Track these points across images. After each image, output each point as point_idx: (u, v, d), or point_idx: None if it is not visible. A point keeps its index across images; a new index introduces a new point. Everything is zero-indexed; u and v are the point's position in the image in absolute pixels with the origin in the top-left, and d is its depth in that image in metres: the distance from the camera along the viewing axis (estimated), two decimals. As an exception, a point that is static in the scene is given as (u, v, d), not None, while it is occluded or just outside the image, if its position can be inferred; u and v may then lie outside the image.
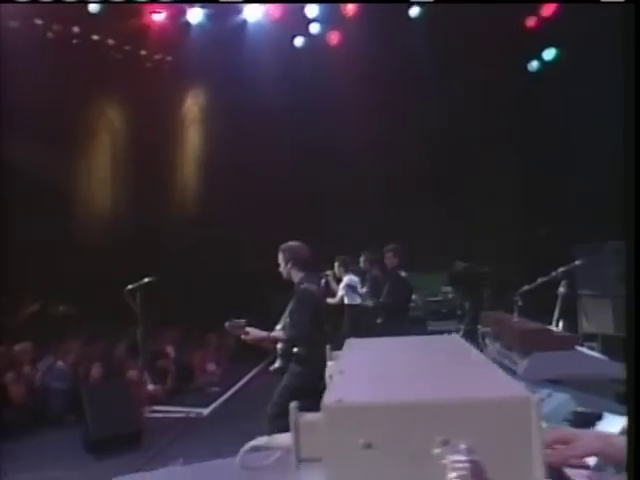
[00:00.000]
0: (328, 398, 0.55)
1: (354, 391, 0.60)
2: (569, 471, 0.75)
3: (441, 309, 6.89)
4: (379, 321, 5.25)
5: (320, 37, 8.77)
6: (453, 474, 0.49)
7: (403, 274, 5.27)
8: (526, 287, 3.73)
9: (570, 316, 5.52)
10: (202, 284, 8.69)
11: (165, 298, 8.02)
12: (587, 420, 1.50)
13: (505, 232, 8.81)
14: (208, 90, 10.17)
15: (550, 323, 4.38)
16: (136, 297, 4.02)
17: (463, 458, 0.50)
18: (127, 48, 9.46)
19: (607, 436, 0.82)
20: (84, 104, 9.21)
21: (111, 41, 9.22)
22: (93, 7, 7.83)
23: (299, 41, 8.77)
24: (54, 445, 4.63)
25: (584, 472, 0.74)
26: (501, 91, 7.91)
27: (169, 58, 9.83)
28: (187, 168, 10.59)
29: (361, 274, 6.39)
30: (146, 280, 4.03)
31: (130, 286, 4.03)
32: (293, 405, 0.57)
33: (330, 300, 6.02)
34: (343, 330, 6.10)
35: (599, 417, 1.53)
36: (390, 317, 5.07)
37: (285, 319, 3.48)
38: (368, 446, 0.52)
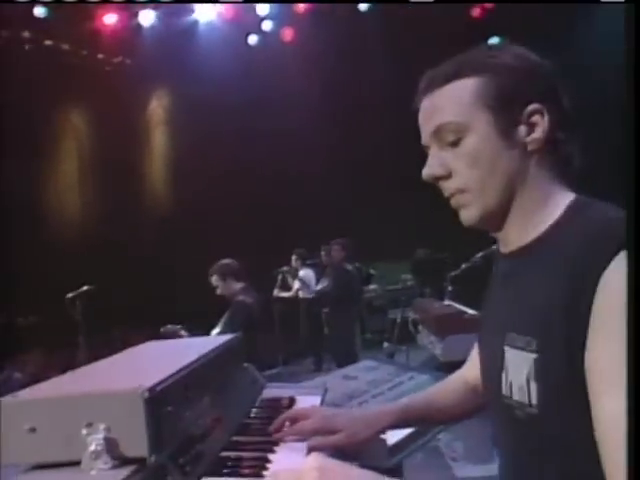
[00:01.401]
0: (6, 395, 0.69)
1: (38, 387, 0.74)
2: (288, 445, 0.87)
3: (401, 297, 7.04)
4: (325, 310, 5.42)
5: (273, 34, 8.86)
6: (92, 447, 0.63)
7: (349, 267, 5.43)
8: (453, 273, 3.90)
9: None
10: (170, 286, 8.76)
11: (132, 302, 8.10)
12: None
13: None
14: (170, 91, 10.20)
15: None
16: (76, 305, 4.13)
17: (100, 436, 0.63)
18: (84, 53, 9.44)
19: (330, 416, 0.93)
20: (47, 111, 9.19)
21: (65, 46, 9.19)
22: (39, 11, 7.79)
23: (253, 39, 8.85)
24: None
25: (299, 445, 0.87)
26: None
27: (128, 61, 9.83)
28: (155, 170, 10.63)
29: (322, 267, 6.52)
30: (85, 288, 4.14)
31: (70, 294, 4.14)
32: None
33: (285, 294, 6.19)
34: (301, 324, 6.27)
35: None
36: (336, 308, 5.24)
37: (219, 328, 3.56)
38: (32, 430, 0.65)
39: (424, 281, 7.71)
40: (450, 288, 3.80)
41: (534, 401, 0.69)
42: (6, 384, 4.91)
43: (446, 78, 0.79)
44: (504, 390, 0.75)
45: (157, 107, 10.57)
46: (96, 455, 0.62)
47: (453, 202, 0.82)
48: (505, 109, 0.76)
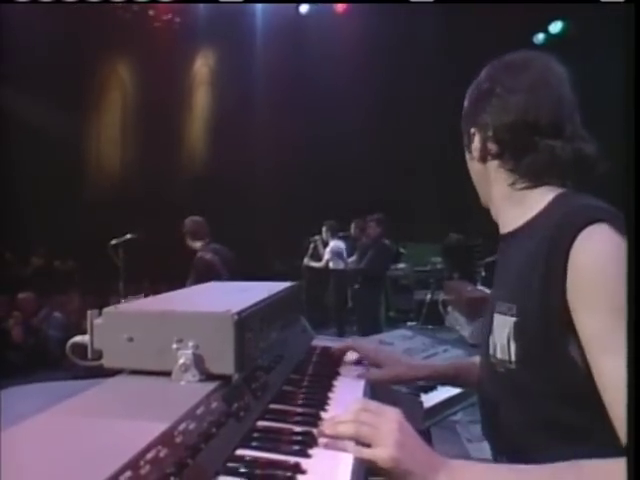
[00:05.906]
0: (109, 307, 0.77)
1: (135, 303, 0.81)
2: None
3: (428, 279, 7.05)
4: (356, 286, 5.47)
5: (325, 4, 8.76)
6: (181, 360, 0.70)
7: (387, 242, 5.44)
8: (488, 259, 3.89)
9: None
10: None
11: (165, 256, 8.32)
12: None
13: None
14: (216, 52, 10.22)
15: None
16: (119, 253, 4.29)
17: (190, 351, 0.70)
18: (135, 8, 9.50)
19: (379, 350, 1.13)
20: (95, 62, 9.36)
21: (118, 1, 9.26)
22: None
23: (304, 8, 8.77)
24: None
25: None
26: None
27: (177, 19, 9.87)
28: (194, 127, 10.73)
29: (352, 241, 6.54)
30: (128, 236, 4.28)
31: (114, 241, 4.30)
32: (90, 311, 0.77)
33: (315, 264, 6.26)
34: (328, 294, 6.34)
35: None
36: (367, 283, 5.29)
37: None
38: (130, 339, 0.73)
39: (453, 266, 7.67)
40: (483, 274, 3.80)
41: (513, 358, 0.81)
42: (47, 321, 5.16)
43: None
44: (491, 350, 0.87)
45: (202, 66, 10.61)
46: (185, 368, 0.69)
47: None
48: (464, 130, 0.99)
